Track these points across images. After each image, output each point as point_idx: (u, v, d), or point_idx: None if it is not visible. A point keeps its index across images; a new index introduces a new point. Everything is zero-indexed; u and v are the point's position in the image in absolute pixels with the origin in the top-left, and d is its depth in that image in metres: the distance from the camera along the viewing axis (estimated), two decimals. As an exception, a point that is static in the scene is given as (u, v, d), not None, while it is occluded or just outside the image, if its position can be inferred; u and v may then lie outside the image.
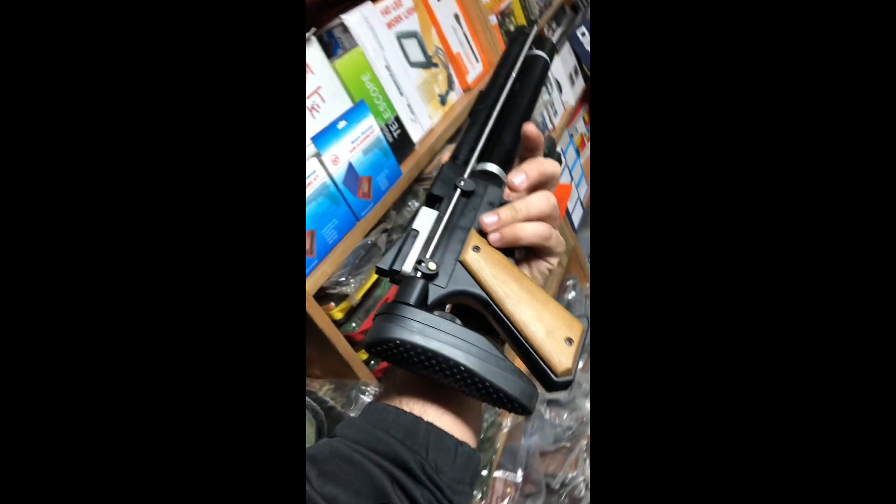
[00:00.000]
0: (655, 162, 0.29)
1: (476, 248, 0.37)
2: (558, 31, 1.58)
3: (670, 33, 0.29)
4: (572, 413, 1.33)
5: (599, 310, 0.30)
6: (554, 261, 0.42)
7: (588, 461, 1.29)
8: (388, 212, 0.87)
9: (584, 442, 1.31)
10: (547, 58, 0.50)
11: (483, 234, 0.38)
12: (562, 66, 1.57)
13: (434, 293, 0.35)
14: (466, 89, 1.10)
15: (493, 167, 0.42)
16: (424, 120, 0.95)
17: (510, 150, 0.43)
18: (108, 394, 0.25)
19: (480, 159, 0.42)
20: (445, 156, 0.43)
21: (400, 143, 0.88)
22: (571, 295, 1.47)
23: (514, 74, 0.47)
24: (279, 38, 0.28)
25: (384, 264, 0.36)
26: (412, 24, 0.98)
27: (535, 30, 0.51)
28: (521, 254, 0.40)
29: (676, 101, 0.28)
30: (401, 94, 0.92)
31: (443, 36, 1.05)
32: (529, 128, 0.41)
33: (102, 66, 0.25)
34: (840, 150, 0.25)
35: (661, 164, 0.29)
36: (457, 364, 0.32)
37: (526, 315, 0.35)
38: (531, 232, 0.38)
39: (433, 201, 0.40)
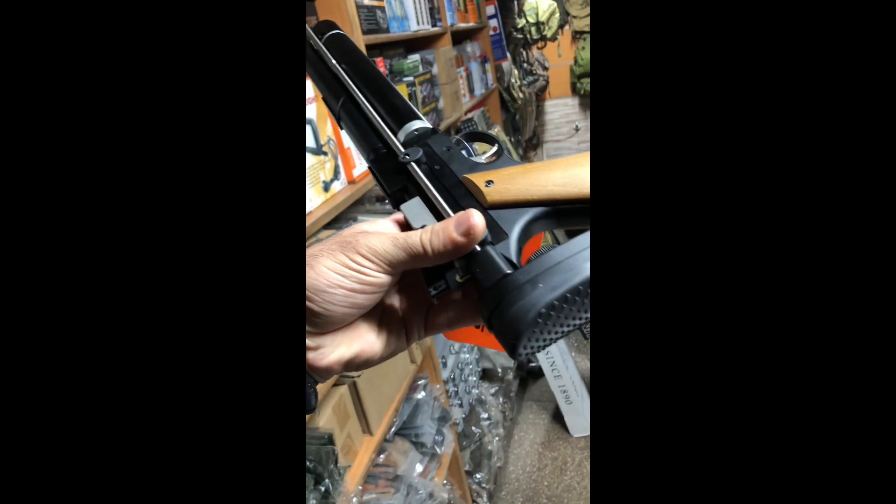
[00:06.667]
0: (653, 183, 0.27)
1: (489, 183, 0.31)
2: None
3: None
4: None
5: (599, 322, 0.29)
6: None
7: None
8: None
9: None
10: (339, 31, 0.46)
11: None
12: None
13: (504, 249, 0.29)
14: (351, 181, 1.15)
15: (416, 123, 0.36)
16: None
17: (405, 105, 0.39)
18: (101, 391, 0.24)
19: (398, 126, 0.37)
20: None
21: (277, 219, 0.89)
22: (421, 395, 1.49)
23: (337, 64, 0.42)
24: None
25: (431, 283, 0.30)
26: (310, 112, 1.03)
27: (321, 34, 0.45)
28: None
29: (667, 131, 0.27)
30: (286, 172, 0.94)
31: (336, 129, 1.11)
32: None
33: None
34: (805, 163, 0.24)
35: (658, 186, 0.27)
36: (580, 283, 0.26)
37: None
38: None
39: (400, 197, 0.34)
